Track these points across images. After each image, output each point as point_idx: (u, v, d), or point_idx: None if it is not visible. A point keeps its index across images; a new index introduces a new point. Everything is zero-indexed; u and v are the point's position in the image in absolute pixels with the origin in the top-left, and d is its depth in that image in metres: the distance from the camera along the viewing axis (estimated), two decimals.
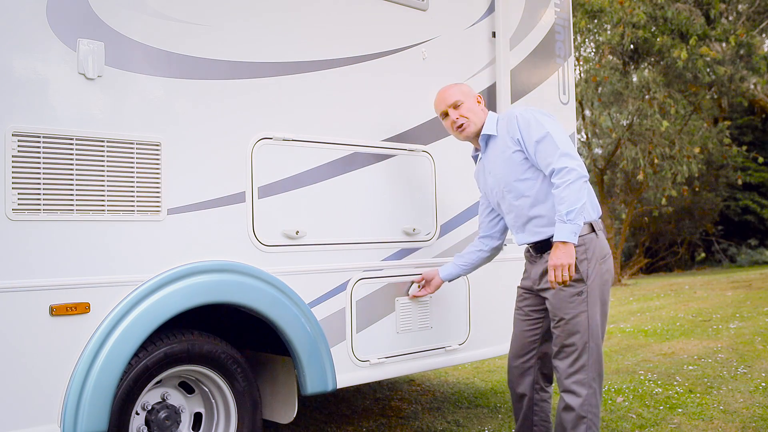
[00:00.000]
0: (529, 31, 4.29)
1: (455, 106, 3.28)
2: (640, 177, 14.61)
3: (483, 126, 3.27)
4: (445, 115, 3.33)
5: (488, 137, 3.27)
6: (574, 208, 2.92)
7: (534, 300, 3.27)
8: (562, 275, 2.93)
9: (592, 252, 3.08)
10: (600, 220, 3.19)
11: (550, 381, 3.35)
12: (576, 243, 2.96)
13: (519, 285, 3.39)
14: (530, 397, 3.30)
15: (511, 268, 3.82)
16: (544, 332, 3.28)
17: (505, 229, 3.48)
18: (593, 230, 3.11)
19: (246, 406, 3.09)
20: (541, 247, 3.17)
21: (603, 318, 3.12)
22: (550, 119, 3.16)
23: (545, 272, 3.13)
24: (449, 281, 3.62)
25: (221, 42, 3.00)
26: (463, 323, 3.88)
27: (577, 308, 3.04)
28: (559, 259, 2.92)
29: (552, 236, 3.05)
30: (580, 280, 3.05)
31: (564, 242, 2.93)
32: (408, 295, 3.63)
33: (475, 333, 3.90)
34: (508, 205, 3.24)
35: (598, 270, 3.08)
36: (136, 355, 2.77)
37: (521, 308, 3.34)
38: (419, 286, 3.64)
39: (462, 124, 3.27)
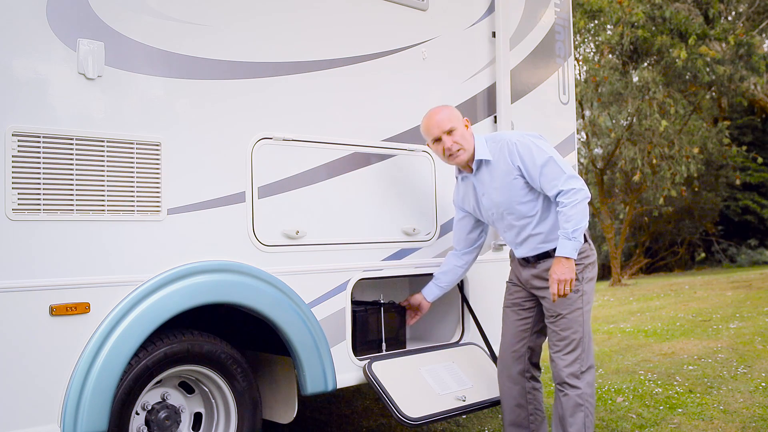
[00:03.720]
0: (529, 31, 4.29)
1: (449, 133, 3.29)
2: (636, 178, 14.62)
3: (474, 151, 3.31)
4: (438, 140, 3.33)
5: (481, 161, 3.32)
6: (579, 227, 3.12)
7: (524, 293, 3.42)
8: (564, 289, 3.10)
9: (587, 257, 3.29)
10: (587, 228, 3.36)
11: (539, 370, 3.48)
12: (576, 259, 3.16)
13: (508, 280, 3.53)
14: (522, 385, 3.43)
15: (505, 269, 3.81)
16: (534, 324, 3.41)
17: (482, 244, 3.62)
18: (585, 239, 3.30)
19: (246, 406, 3.09)
20: (539, 256, 3.33)
21: (590, 315, 3.32)
22: (546, 143, 3.32)
23: (538, 276, 3.31)
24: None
25: (221, 42, 2.99)
26: (455, 322, 3.89)
27: (574, 305, 3.22)
28: (564, 274, 3.10)
29: (549, 250, 3.25)
30: (578, 280, 3.23)
31: (567, 257, 3.10)
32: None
33: (467, 332, 3.89)
34: (507, 224, 3.35)
35: (589, 273, 3.30)
36: (136, 355, 2.76)
37: (512, 301, 3.46)
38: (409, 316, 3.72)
39: (457, 151, 3.30)
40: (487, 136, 3.41)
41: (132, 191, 2.72)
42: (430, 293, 3.63)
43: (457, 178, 3.52)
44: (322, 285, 3.26)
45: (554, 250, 3.22)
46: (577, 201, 3.12)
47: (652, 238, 19.93)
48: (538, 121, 4.23)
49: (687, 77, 14.60)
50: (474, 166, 3.34)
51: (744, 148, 17.42)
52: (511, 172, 3.24)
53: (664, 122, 13.78)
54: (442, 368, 3.58)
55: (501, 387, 3.47)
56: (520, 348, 3.41)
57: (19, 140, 2.46)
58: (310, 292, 3.21)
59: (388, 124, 3.59)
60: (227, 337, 3.11)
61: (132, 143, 2.73)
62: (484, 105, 4.01)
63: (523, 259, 3.37)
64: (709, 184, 18.83)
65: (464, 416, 4.48)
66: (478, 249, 3.61)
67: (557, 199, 3.18)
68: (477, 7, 4.03)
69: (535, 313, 3.39)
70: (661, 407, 4.61)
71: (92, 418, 2.56)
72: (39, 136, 2.51)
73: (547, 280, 3.26)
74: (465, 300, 3.83)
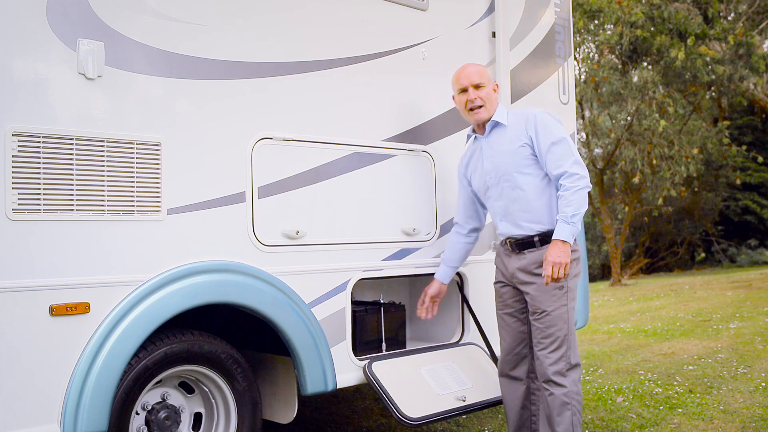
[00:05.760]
0: (529, 31, 4.29)
1: (477, 87, 3.33)
2: (635, 179, 14.62)
3: (493, 114, 3.36)
4: (464, 91, 3.36)
5: (496, 124, 3.35)
6: (579, 213, 3.13)
7: (513, 291, 3.40)
8: (558, 272, 3.08)
9: (572, 251, 3.22)
10: None
11: None
12: (572, 244, 3.14)
13: (494, 282, 3.50)
14: (527, 386, 3.42)
15: None
16: (530, 322, 3.37)
17: (484, 218, 3.62)
18: None
19: (246, 406, 3.09)
20: (523, 244, 3.30)
21: (574, 312, 3.30)
22: (563, 127, 3.33)
23: (523, 270, 3.28)
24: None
25: (221, 42, 2.99)
26: (455, 322, 3.89)
27: (559, 301, 3.21)
28: (559, 257, 3.09)
29: (535, 234, 3.24)
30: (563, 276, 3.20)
31: (563, 241, 3.10)
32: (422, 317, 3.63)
33: (467, 332, 3.89)
34: (499, 191, 3.34)
35: (575, 269, 3.26)
36: (136, 355, 2.76)
37: (504, 302, 3.44)
38: (424, 305, 3.60)
39: (479, 106, 3.33)
40: (513, 109, 3.47)
41: (132, 191, 2.72)
42: (446, 276, 3.61)
43: (468, 136, 3.54)
44: (322, 285, 3.26)
45: (538, 238, 3.23)
46: (579, 187, 3.14)
47: (652, 238, 19.92)
48: None
49: (686, 77, 14.59)
50: (488, 127, 3.37)
51: (744, 148, 17.42)
52: (521, 138, 3.27)
53: (662, 122, 13.77)
54: (442, 368, 3.58)
55: (504, 390, 3.45)
56: (521, 350, 3.40)
57: (19, 140, 2.46)
58: (310, 292, 3.21)
59: (388, 124, 3.59)
60: (227, 337, 3.11)
61: (132, 143, 2.73)
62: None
63: (505, 246, 3.36)
64: (709, 184, 18.83)
65: (464, 416, 4.48)
66: (483, 224, 3.60)
67: (560, 181, 3.19)
68: (477, 7, 4.03)
69: (527, 312, 3.36)
70: (661, 407, 4.61)
71: (92, 418, 2.56)
72: (39, 136, 2.51)
73: (532, 274, 3.25)
74: (465, 300, 3.83)
